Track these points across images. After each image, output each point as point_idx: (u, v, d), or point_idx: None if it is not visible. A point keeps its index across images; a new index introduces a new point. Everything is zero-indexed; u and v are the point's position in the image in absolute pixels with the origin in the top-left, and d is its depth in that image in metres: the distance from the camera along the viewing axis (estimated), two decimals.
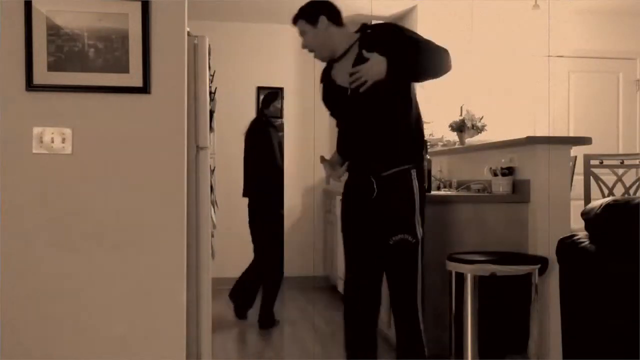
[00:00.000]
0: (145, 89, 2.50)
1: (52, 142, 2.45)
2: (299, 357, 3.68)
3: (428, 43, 2.59)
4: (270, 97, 4.87)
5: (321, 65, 2.86)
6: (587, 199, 4.06)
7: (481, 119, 4.47)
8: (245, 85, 5.97)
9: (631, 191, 4.05)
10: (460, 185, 3.88)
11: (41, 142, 2.45)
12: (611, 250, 2.04)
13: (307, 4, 2.73)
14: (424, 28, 4.94)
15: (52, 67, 2.44)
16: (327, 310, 5.04)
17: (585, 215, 2.20)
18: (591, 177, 4.14)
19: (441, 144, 4.72)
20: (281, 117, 5.89)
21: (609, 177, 4.15)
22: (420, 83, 2.77)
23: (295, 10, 2.72)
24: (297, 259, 5.80)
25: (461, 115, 4.57)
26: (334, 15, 2.71)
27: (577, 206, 2.97)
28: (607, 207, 2.09)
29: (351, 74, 2.55)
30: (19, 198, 2.45)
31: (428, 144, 3.78)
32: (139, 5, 2.48)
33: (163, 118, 2.53)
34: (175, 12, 2.55)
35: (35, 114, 2.45)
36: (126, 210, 2.51)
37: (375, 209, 2.64)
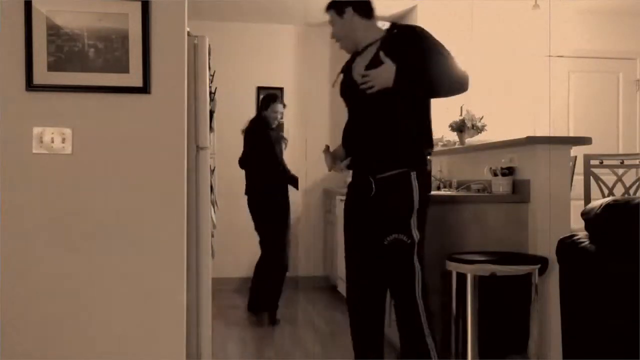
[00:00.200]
0: (145, 89, 2.50)
1: (52, 142, 2.45)
2: (299, 357, 3.68)
3: (445, 61, 2.57)
4: (269, 99, 4.87)
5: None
6: (587, 199, 4.06)
7: (481, 119, 4.47)
8: (245, 85, 5.98)
9: (631, 191, 4.05)
10: (460, 185, 3.88)
11: (41, 142, 2.45)
12: (611, 250, 2.04)
13: None
14: (424, 28, 4.93)
15: (52, 67, 2.44)
16: (327, 310, 5.04)
17: (585, 215, 2.20)
18: (591, 177, 4.14)
19: (441, 144, 4.72)
20: (281, 117, 5.88)
21: (609, 177, 4.15)
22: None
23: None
24: (297, 259, 5.79)
25: (461, 115, 4.57)
26: (362, 8, 2.71)
27: (577, 206, 2.97)
28: (607, 207, 2.09)
29: (362, 75, 2.59)
30: (19, 198, 2.45)
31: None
32: (139, 5, 2.48)
33: (163, 118, 2.53)
34: (175, 12, 2.55)
35: (35, 114, 2.45)
36: (126, 210, 2.51)
37: (372, 209, 2.65)
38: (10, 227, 2.44)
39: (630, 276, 1.92)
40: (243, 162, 4.97)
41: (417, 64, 2.54)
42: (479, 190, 3.58)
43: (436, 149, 4.56)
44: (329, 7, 2.77)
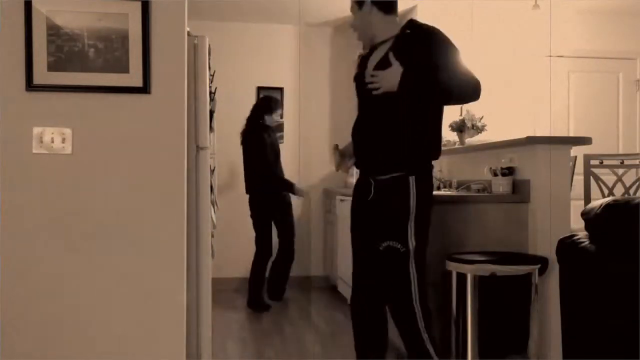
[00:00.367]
0: (145, 89, 2.50)
1: (52, 142, 2.45)
2: (299, 357, 3.67)
3: (456, 68, 2.52)
4: (277, 104, 5.06)
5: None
6: (587, 199, 4.06)
7: (481, 119, 4.47)
8: (245, 85, 5.97)
9: (631, 191, 4.05)
10: (460, 185, 3.89)
11: (41, 142, 2.45)
12: (611, 250, 2.04)
13: None
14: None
15: (52, 67, 2.44)
16: (327, 310, 5.03)
17: (585, 215, 2.20)
18: (591, 177, 4.14)
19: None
20: (281, 116, 5.90)
21: (609, 177, 4.15)
22: None
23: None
24: (297, 258, 5.79)
25: (461, 115, 4.57)
26: (382, 2, 2.67)
27: (577, 206, 2.97)
28: (607, 207, 2.09)
29: (371, 75, 2.56)
30: (19, 198, 2.45)
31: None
32: (139, 5, 2.48)
33: (163, 118, 2.53)
34: (175, 12, 2.55)
35: (35, 114, 2.45)
36: (126, 210, 2.51)
37: (370, 212, 2.64)
38: (10, 227, 2.44)
39: (630, 276, 1.92)
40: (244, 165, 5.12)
41: (425, 69, 2.49)
42: (479, 190, 3.58)
43: None
44: None
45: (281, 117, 5.24)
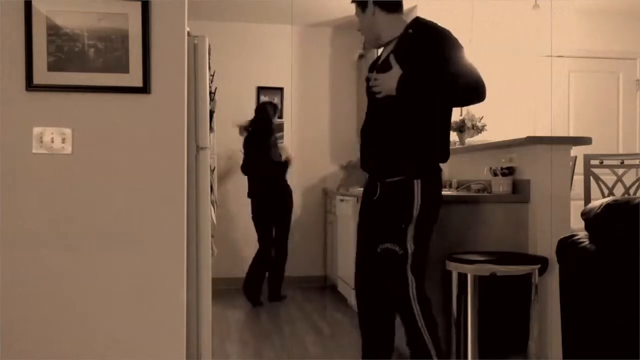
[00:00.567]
0: (145, 89, 2.50)
1: (52, 142, 2.45)
2: (299, 357, 3.67)
3: (459, 69, 2.46)
4: (277, 109, 5.24)
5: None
6: (587, 199, 4.06)
7: (481, 119, 4.47)
8: (245, 85, 5.98)
9: (631, 191, 4.05)
10: (460, 185, 3.89)
11: (41, 142, 2.45)
12: (611, 250, 2.04)
13: None
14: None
15: (52, 67, 2.44)
16: (327, 310, 5.04)
17: (585, 215, 2.20)
18: (591, 177, 4.14)
19: None
20: (281, 117, 5.90)
21: (609, 177, 4.15)
22: None
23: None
24: (297, 258, 5.79)
25: (461, 115, 4.57)
26: (385, 2, 2.64)
27: (577, 206, 2.97)
28: (607, 207, 2.09)
29: (374, 78, 2.55)
30: (19, 198, 2.45)
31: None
32: (139, 5, 2.48)
33: (163, 118, 2.53)
34: (175, 12, 2.55)
35: (35, 114, 2.45)
36: (126, 210, 2.51)
37: (374, 213, 2.64)
38: (10, 227, 2.44)
39: (630, 276, 1.92)
40: (245, 168, 5.20)
41: (427, 71, 2.46)
42: (479, 190, 3.58)
43: None
44: (353, 0, 2.72)
45: (281, 117, 5.31)
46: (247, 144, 5.16)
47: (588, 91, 5.73)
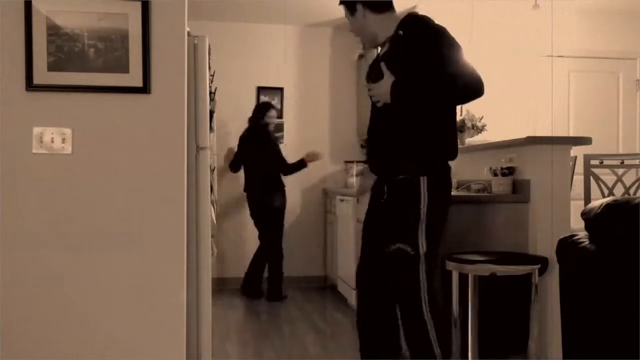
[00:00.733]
0: (145, 89, 2.50)
1: (52, 142, 2.45)
2: (299, 357, 3.67)
3: (455, 67, 2.42)
4: (263, 108, 5.24)
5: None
6: (587, 199, 4.06)
7: (481, 119, 4.47)
8: (245, 85, 5.97)
9: (631, 191, 4.05)
10: (460, 185, 3.88)
11: (41, 142, 2.45)
12: (611, 250, 2.04)
13: None
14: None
15: (52, 67, 2.44)
16: (327, 310, 5.04)
17: (585, 215, 2.20)
18: (591, 177, 4.14)
19: None
20: (281, 117, 5.91)
21: (609, 177, 4.15)
22: None
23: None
24: (297, 258, 5.79)
25: (461, 115, 4.57)
26: (373, 2, 2.61)
27: (577, 206, 2.96)
28: (607, 207, 2.09)
29: (368, 89, 2.56)
30: (19, 198, 2.45)
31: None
32: (139, 5, 2.48)
33: (163, 118, 2.53)
34: (175, 12, 2.55)
35: (35, 114, 2.45)
36: (126, 210, 2.51)
37: (382, 213, 2.62)
38: (10, 227, 2.44)
39: (630, 276, 1.92)
40: (236, 166, 5.32)
41: (421, 75, 2.42)
42: (479, 190, 3.58)
43: None
44: (340, 2, 2.71)
45: (281, 117, 5.35)
46: (245, 141, 5.23)
47: (588, 91, 5.73)
